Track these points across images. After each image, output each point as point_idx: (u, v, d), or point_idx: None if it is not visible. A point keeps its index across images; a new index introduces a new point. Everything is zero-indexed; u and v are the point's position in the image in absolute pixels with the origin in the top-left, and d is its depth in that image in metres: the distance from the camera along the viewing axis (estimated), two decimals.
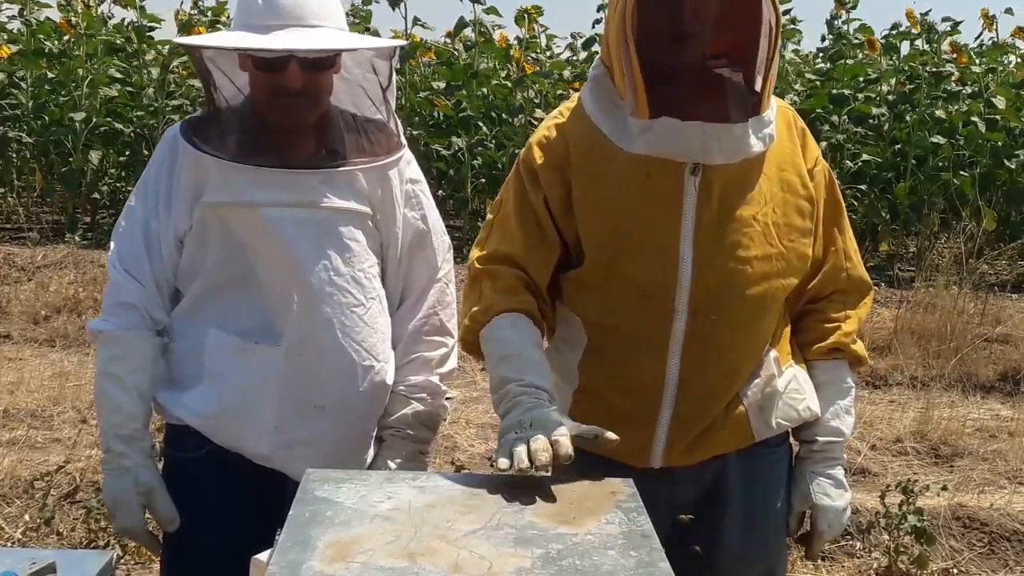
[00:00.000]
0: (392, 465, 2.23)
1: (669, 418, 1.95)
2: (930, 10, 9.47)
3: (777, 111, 1.96)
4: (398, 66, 2.27)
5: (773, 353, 2.00)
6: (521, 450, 1.67)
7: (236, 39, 2.08)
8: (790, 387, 2.02)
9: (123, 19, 9.68)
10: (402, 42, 2.43)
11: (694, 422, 1.96)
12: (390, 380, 2.24)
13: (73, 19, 8.86)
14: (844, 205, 2.09)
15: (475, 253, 2.04)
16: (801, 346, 2.09)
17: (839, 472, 2.08)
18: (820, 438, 2.06)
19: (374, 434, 2.27)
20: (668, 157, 1.87)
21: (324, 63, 2.11)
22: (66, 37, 9.19)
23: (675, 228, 1.90)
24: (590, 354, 2.00)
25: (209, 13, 9.29)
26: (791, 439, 2.12)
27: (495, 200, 2.08)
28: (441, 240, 2.33)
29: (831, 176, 2.07)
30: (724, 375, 1.96)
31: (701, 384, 1.94)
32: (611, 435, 1.73)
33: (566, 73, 9.57)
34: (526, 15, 9.27)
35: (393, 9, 8.75)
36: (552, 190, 1.97)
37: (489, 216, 2.08)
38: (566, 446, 1.67)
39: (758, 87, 1.86)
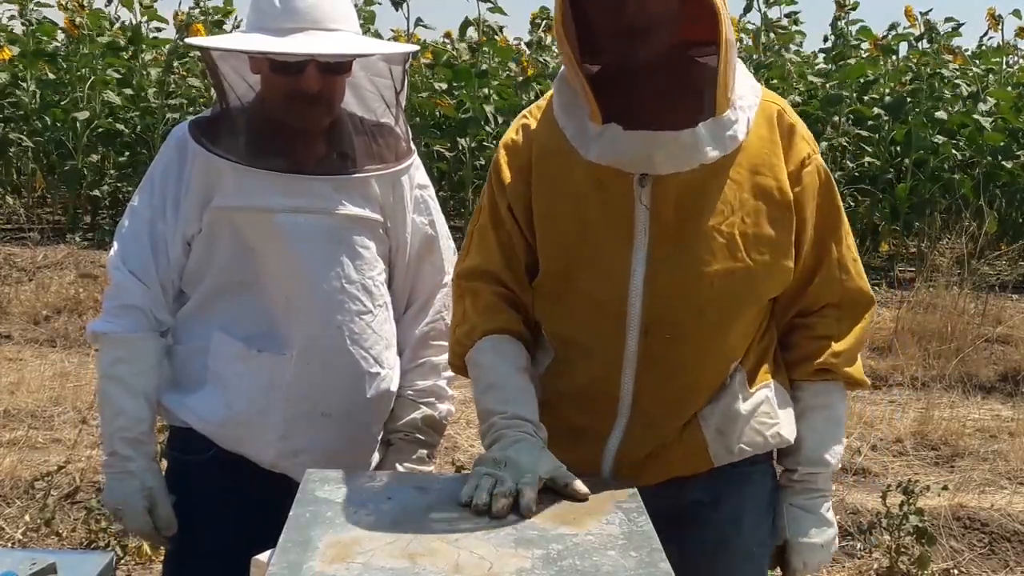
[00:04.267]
0: (400, 469, 2.23)
1: (620, 435, 1.83)
2: (931, 9, 9.47)
3: (760, 106, 1.81)
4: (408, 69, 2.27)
5: (740, 373, 1.84)
6: (484, 488, 1.62)
7: (255, 42, 2.07)
8: (760, 410, 1.86)
9: (123, 20, 9.69)
10: (416, 47, 2.44)
11: (645, 441, 1.83)
12: (395, 387, 2.24)
13: (78, 20, 8.85)
14: (842, 211, 1.90)
15: (456, 266, 1.98)
16: (788, 364, 1.93)
17: (821, 505, 1.92)
18: (800, 468, 1.91)
19: (379, 438, 2.27)
20: (615, 166, 1.75)
21: (341, 67, 2.11)
22: (69, 38, 9.19)
23: (626, 241, 1.77)
24: (554, 366, 1.89)
25: (215, 13, 9.27)
26: (774, 462, 1.97)
27: (476, 206, 1.98)
28: (447, 245, 2.34)
29: (827, 179, 1.86)
30: (679, 395, 1.82)
31: (654, 403, 1.81)
32: (582, 487, 1.67)
33: None
34: (542, 20, 9.28)
35: (397, 9, 8.76)
36: (516, 199, 1.86)
37: (470, 225, 1.97)
38: (528, 499, 1.60)
39: (712, 86, 1.70)
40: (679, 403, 1.83)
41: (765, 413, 1.87)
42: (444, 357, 2.28)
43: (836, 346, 1.88)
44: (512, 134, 1.91)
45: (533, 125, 1.88)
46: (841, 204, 1.90)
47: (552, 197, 1.83)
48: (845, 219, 1.91)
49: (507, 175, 1.88)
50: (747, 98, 1.79)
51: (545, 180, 1.84)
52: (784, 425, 1.89)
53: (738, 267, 1.77)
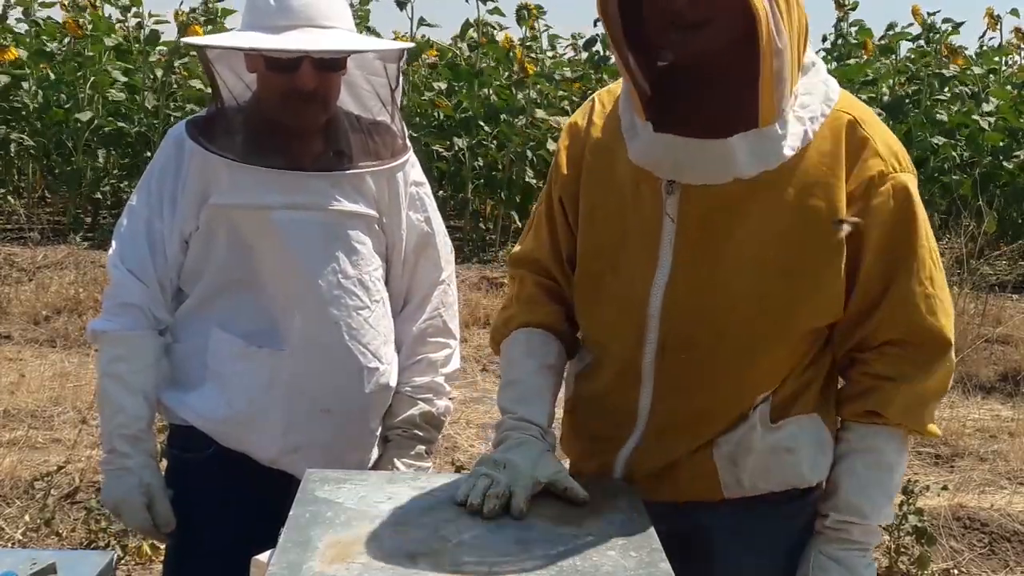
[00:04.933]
0: (399, 464, 2.25)
1: (632, 446, 1.75)
2: (938, 11, 9.50)
3: (829, 116, 1.62)
4: (404, 68, 2.28)
5: (766, 404, 1.69)
6: (479, 488, 1.60)
7: (250, 40, 2.08)
8: (782, 445, 1.69)
9: (125, 21, 9.67)
10: (410, 45, 2.46)
11: (655, 455, 1.73)
12: (393, 382, 2.25)
13: (80, 20, 8.85)
14: (923, 240, 1.65)
15: (513, 249, 1.93)
16: (839, 400, 1.75)
17: (855, 559, 1.71)
18: (833, 514, 1.72)
19: (378, 434, 2.28)
20: (647, 168, 1.65)
21: (336, 64, 2.12)
22: (71, 38, 9.17)
23: (651, 251, 1.67)
24: (588, 370, 1.83)
25: (214, 13, 9.26)
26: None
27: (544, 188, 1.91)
28: (444, 242, 2.35)
29: (906, 202, 1.63)
30: (694, 417, 1.70)
31: (668, 420, 1.72)
32: (580, 492, 1.63)
33: (568, 73, 9.58)
34: (526, 11, 9.26)
35: (401, 10, 8.77)
36: (566, 190, 1.79)
37: (535, 206, 1.91)
38: (518, 501, 1.58)
39: (756, 94, 1.54)
40: (693, 425, 1.71)
41: (787, 449, 1.70)
42: (441, 354, 2.31)
43: (893, 389, 1.68)
44: (578, 117, 1.82)
45: (598, 111, 1.78)
46: (924, 232, 1.66)
47: (600, 194, 1.74)
48: (927, 249, 1.67)
49: (563, 163, 1.80)
50: (812, 107, 1.62)
51: (594, 175, 1.75)
52: (808, 463, 1.72)
53: (768, 296, 1.63)
